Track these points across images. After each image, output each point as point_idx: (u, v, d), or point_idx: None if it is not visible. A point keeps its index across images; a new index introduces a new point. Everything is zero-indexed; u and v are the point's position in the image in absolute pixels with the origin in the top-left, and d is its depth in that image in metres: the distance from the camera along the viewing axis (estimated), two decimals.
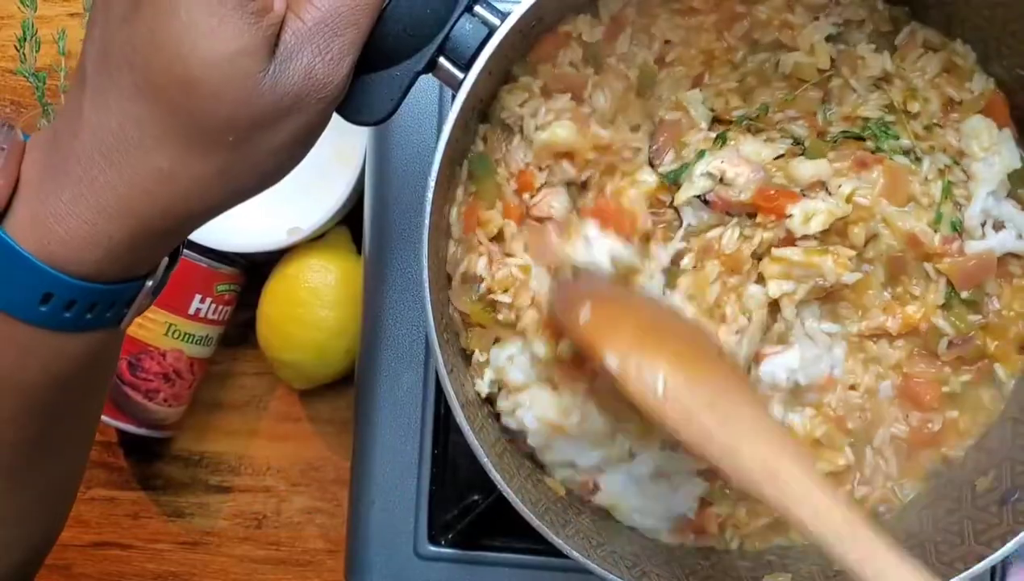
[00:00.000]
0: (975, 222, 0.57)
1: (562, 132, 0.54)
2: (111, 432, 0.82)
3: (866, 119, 0.57)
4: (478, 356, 0.57)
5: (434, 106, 0.66)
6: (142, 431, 0.76)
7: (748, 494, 0.46)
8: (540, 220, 0.56)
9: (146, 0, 0.41)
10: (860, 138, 0.57)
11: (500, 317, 0.56)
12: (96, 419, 0.54)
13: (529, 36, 0.52)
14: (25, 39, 0.79)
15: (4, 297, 0.43)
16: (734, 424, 0.46)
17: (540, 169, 0.56)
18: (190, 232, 0.47)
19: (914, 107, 0.57)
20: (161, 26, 0.40)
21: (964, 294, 0.57)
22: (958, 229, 0.57)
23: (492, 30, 0.47)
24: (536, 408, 0.56)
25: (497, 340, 0.57)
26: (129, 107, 0.41)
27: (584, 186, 0.57)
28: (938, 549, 0.55)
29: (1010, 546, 0.51)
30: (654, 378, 0.46)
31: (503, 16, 0.47)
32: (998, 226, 0.57)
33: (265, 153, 0.44)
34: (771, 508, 0.44)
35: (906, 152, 0.57)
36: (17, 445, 0.47)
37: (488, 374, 0.57)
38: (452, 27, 0.46)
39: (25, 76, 0.80)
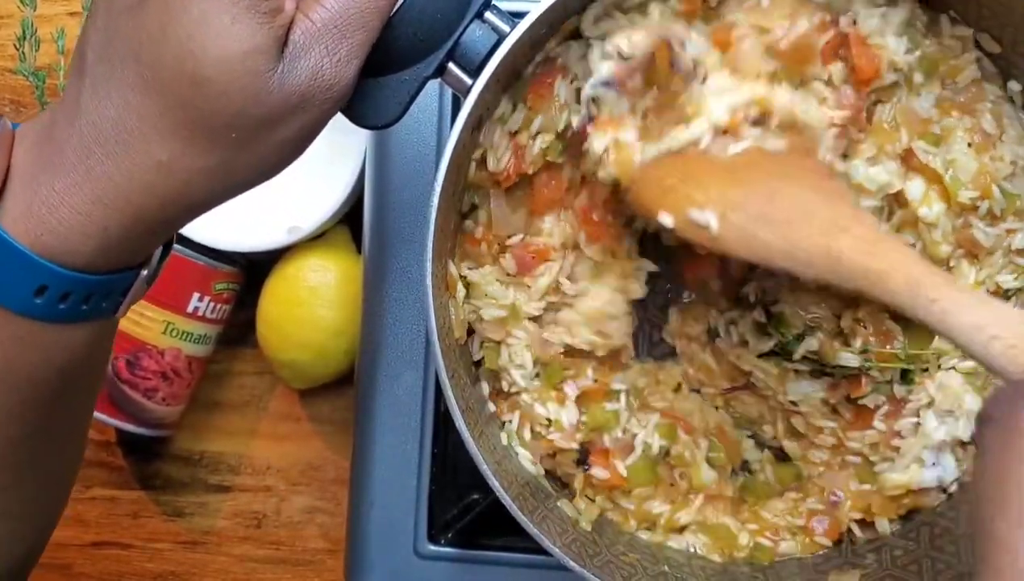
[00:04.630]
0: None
1: None
2: (110, 431, 0.81)
3: None
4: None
5: (435, 105, 0.66)
6: (140, 430, 0.75)
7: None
8: None
9: None
10: None
11: None
12: (91, 410, 0.54)
13: (539, 44, 0.52)
14: (24, 38, 0.79)
15: None
16: (790, 224, 0.46)
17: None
18: (186, 223, 0.46)
19: None
20: (171, 21, 0.40)
21: None
22: None
23: (502, 37, 0.47)
24: None
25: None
26: (132, 98, 0.41)
27: None
28: (935, 568, 0.55)
29: None
30: (705, 218, 0.47)
31: (514, 23, 0.47)
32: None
33: (267, 149, 0.44)
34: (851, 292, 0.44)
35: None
36: (17, 439, 0.47)
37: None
38: (462, 33, 0.46)
39: (24, 75, 0.79)
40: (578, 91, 0.53)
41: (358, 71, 0.44)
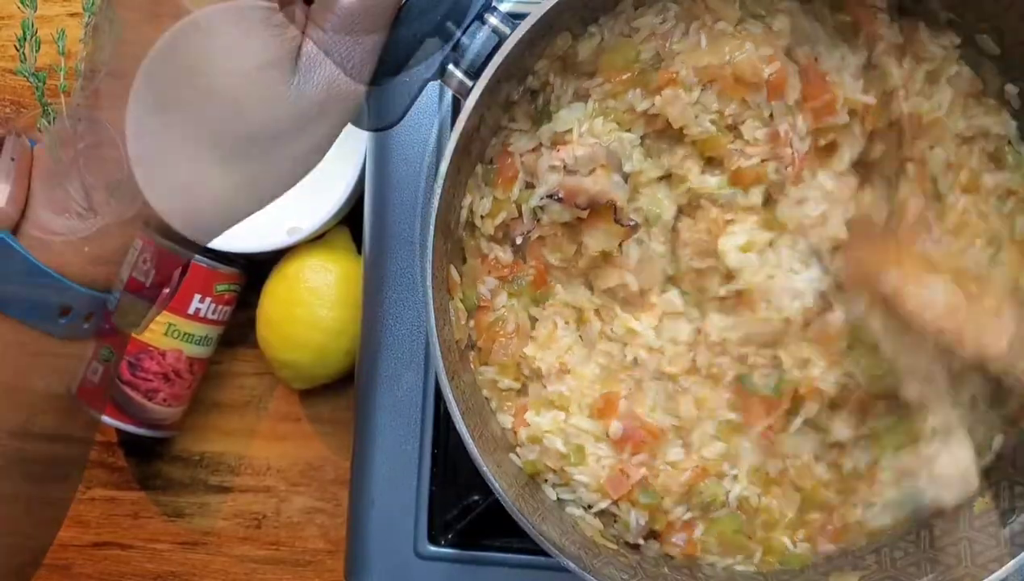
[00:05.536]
0: None
1: None
2: (111, 432, 0.82)
3: None
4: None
5: (434, 106, 0.66)
6: (142, 431, 0.75)
7: None
8: None
9: (165, 9, 0.40)
10: None
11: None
12: (99, 417, 0.54)
13: (539, 45, 0.52)
14: (25, 39, 0.78)
15: (22, 310, 0.42)
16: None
17: None
18: (209, 241, 0.46)
19: None
20: (182, 36, 0.40)
21: None
22: None
23: (503, 39, 0.47)
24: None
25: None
26: (147, 119, 0.41)
27: None
28: (935, 569, 0.55)
29: (1009, 567, 0.51)
30: (931, 291, 0.43)
31: (514, 24, 0.47)
32: None
33: (287, 162, 0.43)
34: None
35: None
36: (34, 451, 0.47)
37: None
38: (462, 35, 0.46)
39: (25, 76, 0.79)
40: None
41: (371, 75, 0.44)
